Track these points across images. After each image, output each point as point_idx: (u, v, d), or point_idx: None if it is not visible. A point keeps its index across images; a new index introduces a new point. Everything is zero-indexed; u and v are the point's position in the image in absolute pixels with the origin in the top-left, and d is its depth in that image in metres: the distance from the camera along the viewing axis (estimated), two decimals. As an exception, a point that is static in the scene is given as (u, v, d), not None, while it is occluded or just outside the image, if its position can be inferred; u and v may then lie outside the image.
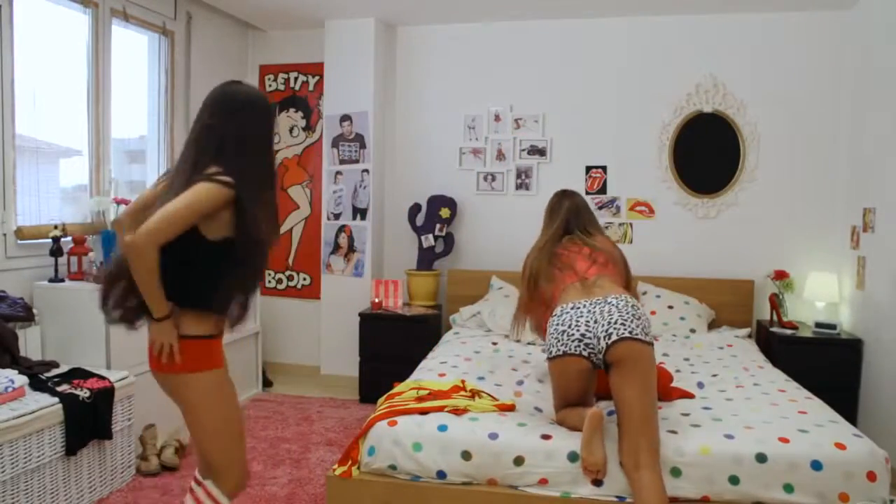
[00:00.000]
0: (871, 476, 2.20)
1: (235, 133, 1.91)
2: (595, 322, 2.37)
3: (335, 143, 4.82)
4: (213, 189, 1.84)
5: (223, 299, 1.96)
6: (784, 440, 2.31)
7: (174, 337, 1.91)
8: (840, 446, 2.26)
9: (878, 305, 3.64)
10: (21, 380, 2.64)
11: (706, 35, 4.39)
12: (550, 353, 2.47)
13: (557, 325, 2.45)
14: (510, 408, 2.67)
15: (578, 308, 2.44)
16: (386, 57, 4.87)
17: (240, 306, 2.02)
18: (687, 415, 2.59)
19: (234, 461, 2.05)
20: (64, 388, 2.74)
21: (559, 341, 2.43)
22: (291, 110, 5.13)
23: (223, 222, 1.88)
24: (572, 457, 2.31)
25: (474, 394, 2.80)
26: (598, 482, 2.29)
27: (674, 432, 2.39)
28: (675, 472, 2.26)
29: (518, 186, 4.78)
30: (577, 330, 2.38)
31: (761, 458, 2.24)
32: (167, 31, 4.18)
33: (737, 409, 2.67)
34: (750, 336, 4.23)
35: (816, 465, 2.21)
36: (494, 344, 3.88)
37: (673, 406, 2.71)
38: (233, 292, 1.98)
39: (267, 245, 1.97)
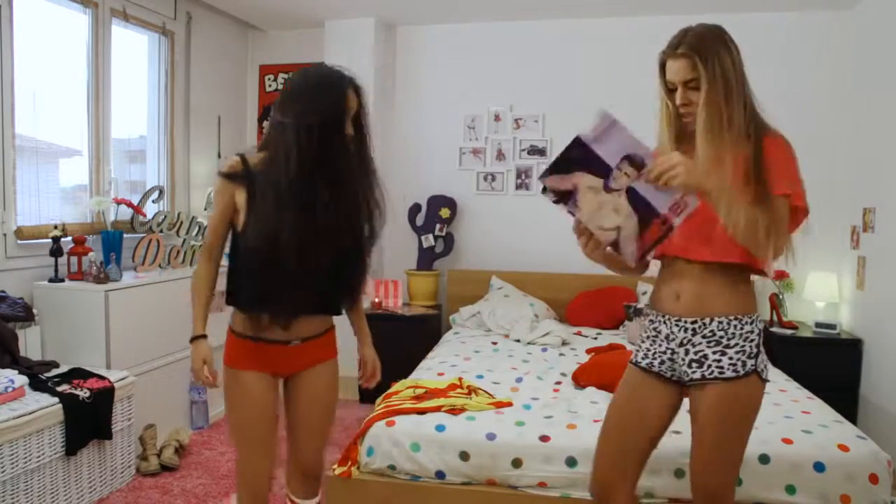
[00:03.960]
0: (874, 478, 2.19)
1: (272, 120, 1.83)
2: None
3: (335, 143, 4.81)
4: (215, 180, 1.85)
5: (238, 294, 1.87)
6: (787, 441, 2.31)
7: (199, 361, 1.90)
8: (843, 448, 2.26)
9: (878, 305, 3.64)
10: (21, 380, 2.64)
11: (706, 35, 4.38)
12: (766, 372, 1.73)
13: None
14: (507, 404, 2.67)
15: None
16: (386, 57, 4.87)
17: (264, 307, 1.83)
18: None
19: (244, 471, 1.91)
20: (64, 388, 2.74)
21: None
22: (291, 110, 5.12)
23: (241, 211, 1.83)
24: (570, 462, 2.31)
25: (471, 391, 2.80)
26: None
27: (678, 432, 2.38)
28: (679, 474, 2.26)
29: (518, 186, 4.78)
30: None
31: (764, 459, 2.24)
32: (167, 31, 4.18)
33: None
34: (750, 336, 4.22)
35: (819, 467, 2.21)
36: (494, 344, 3.87)
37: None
38: (245, 288, 1.84)
39: (271, 236, 1.73)
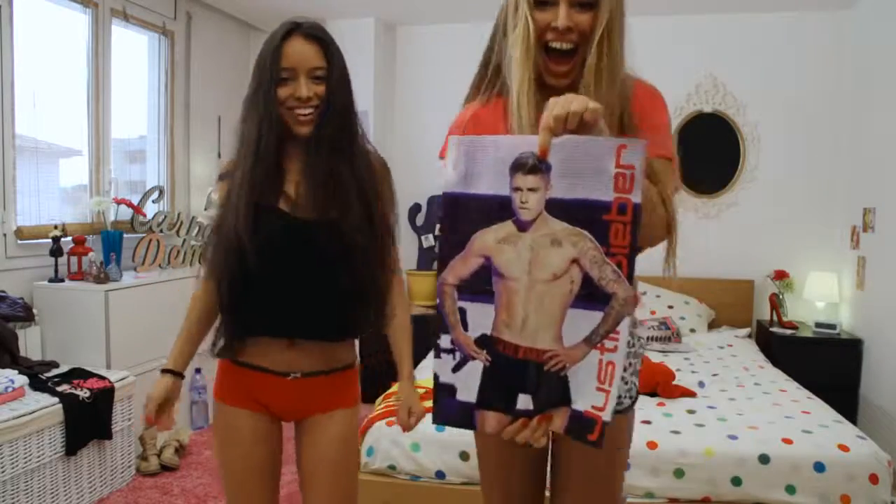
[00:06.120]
0: (874, 478, 2.20)
1: None
2: None
3: (335, 143, 4.81)
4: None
5: (222, 315, 1.51)
6: (787, 441, 2.31)
7: (148, 396, 1.52)
8: (843, 448, 2.26)
9: (878, 305, 3.64)
10: (21, 380, 2.64)
11: (706, 35, 4.38)
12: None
13: None
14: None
15: None
16: (386, 57, 4.87)
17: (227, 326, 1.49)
18: (693, 412, 2.60)
19: None
20: (64, 388, 2.74)
21: None
22: (291, 110, 5.12)
23: None
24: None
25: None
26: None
27: (677, 433, 2.39)
28: (679, 474, 2.26)
29: (518, 186, 4.78)
30: None
31: (764, 459, 2.24)
32: (167, 31, 4.18)
33: (741, 408, 2.67)
34: (750, 336, 4.23)
35: (819, 467, 2.21)
36: (495, 344, 3.87)
37: (678, 403, 2.71)
38: (222, 304, 1.48)
39: (231, 238, 1.38)
